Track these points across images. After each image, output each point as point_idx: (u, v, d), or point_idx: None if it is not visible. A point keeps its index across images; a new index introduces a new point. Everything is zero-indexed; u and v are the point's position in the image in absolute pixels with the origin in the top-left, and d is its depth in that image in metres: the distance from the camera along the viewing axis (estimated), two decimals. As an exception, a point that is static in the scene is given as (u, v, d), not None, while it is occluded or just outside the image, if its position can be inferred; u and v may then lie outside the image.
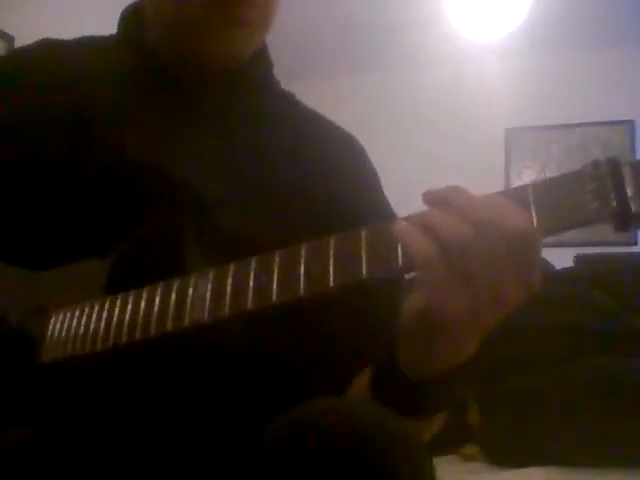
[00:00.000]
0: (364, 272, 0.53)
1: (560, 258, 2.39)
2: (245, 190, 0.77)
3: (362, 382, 0.68)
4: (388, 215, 0.84)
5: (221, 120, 0.82)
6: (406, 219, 0.54)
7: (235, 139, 0.82)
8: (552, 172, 4.06)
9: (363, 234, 0.55)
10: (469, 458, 1.66)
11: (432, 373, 0.59)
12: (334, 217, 0.77)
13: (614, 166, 0.49)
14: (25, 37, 3.25)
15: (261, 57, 0.87)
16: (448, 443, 1.63)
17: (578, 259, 2.21)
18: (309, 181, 0.80)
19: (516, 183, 4.04)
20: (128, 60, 0.84)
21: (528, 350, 1.66)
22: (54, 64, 0.85)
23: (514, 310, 0.54)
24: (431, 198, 0.53)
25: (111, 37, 0.88)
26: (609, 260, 2.14)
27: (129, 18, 0.86)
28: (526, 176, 4.09)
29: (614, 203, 0.48)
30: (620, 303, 1.76)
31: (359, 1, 3.68)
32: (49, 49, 0.88)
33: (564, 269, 2.09)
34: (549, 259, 2.88)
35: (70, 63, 0.85)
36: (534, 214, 0.50)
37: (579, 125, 4.05)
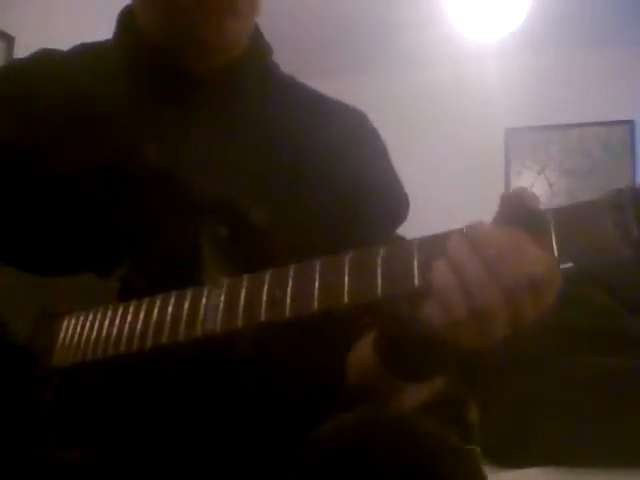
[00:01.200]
0: (379, 289, 0.53)
1: (560, 258, 2.39)
2: (262, 189, 0.77)
3: (363, 346, 0.68)
4: (396, 196, 0.84)
5: (228, 117, 0.82)
6: (426, 242, 0.53)
7: (244, 135, 0.81)
8: (552, 172, 4.06)
9: (380, 251, 0.55)
10: (469, 458, 1.66)
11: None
12: (345, 205, 0.77)
13: (637, 195, 0.48)
14: (25, 37, 3.24)
15: (258, 44, 0.87)
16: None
17: (578, 259, 2.20)
18: (314, 171, 0.80)
19: (516, 183, 4.04)
20: (129, 62, 0.84)
21: (527, 350, 1.66)
22: (54, 74, 0.85)
23: None
24: (469, 234, 0.52)
25: (107, 41, 0.88)
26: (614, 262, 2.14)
27: (125, 20, 0.86)
28: (526, 176, 4.09)
29: (636, 233, 0.47)
30: (620, 303, 1.75)
31: (359, 1, 3.68)
32: (47, 60, 0.88)
33: (564, 269, 2.09)
34: (549, 259, 2.89)
35: (70, 72, 0.85)
36: (554, 243, 0.50)
37: (579, 125, 4.05)
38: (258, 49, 0.86)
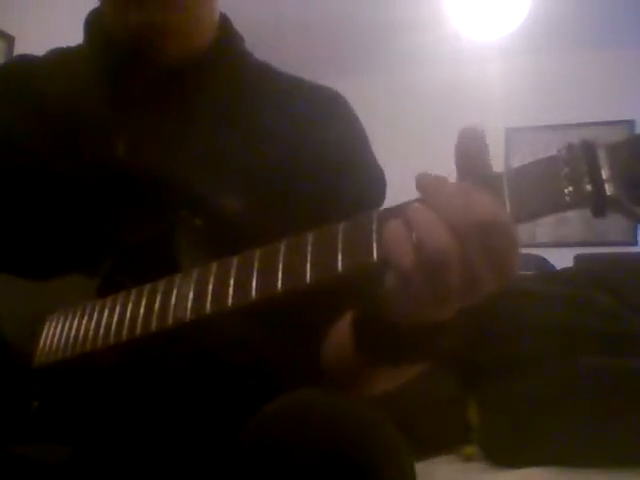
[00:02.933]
0: (339, 266, 0.53)
1: (560, 258, 2.40)
2: (234, 177, 0.77)
3: (342, 329, 0.68)
4: (373, 175, 0.84)
5: (199, 106, 0.82)
6: (384, 214, 0.53)
7: (216, 124, 0.81)
8: (552, 172, 4.07)
9: (341, 227, 0.54)
10: (469, 458, 1.66)
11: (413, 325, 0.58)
12: (324, 192, 0.77)
13: (589, 149, 0.47)
14: (25, 37, 3.24)
15: (226, 32, 0.86)
16: (448, 443, 1.63)
17: (578, 259, 2.21)
18: (295, 159, 0.79)
19: (516, 183, 4.04)
20: (99, 61, 0.84)
21: (528, 350, 1.66)
22: (31, 80, 0.86)
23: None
24: (420, 185, 0.52)
25: (79, 46, 0.89)
26: (609, 260, 2.14)
27: (92, 21, 0.87)
28: (526, 176, 4.09)
29: (588, 187, 0.46)
30: (620, 303, 1.76)
31: (360, 1, 3.68)
32: (26, 64, 0.90)
33: (564, 269, 2.09)
34: (549, 259, 2.89)
35: (47, 75, 0.86)
36: (507, 201, 0.49)
37: (579, 125, 4.05)
38: (225, 37, 0.86)
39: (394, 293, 0.53)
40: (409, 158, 4.15)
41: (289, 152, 0.80)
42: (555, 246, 3.70)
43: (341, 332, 0.68)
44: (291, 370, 0.74)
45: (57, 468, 0.67)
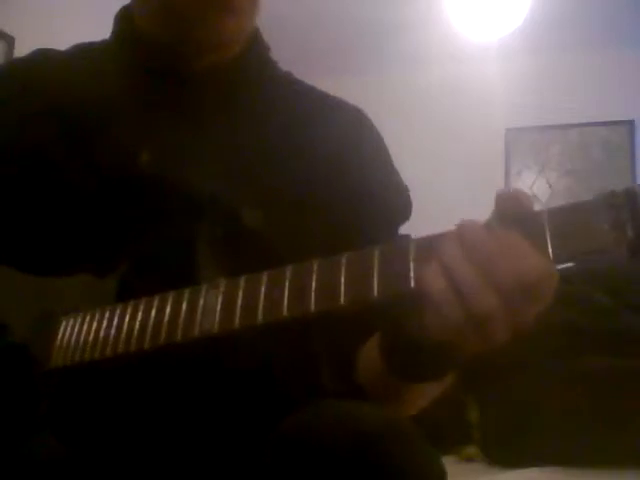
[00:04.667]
0: (375, 290, 0.53)
1: (560, 258, 2.39)
2: (255, 188, 0.76)
3: (370, 347, 0.68)
4: (399, 194, 0.84)
5: (225, 117, 0.81)
6: (422, 243, 0.54)
7: (240, 135, 0.81)
8: (552, 172, 4.07)
9: (377, 251, 0.55)
10: (469, 458, 1.66)
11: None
12: (342, 204, 0.77)
13: (632, 196, 0.49)
14: (25, 37, 3.23)
15: (256, 43, 0.86)
16: (448, 443, 1.63)
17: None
18: (316, 170, 0.79)
19: (516, 183, 4.04)
20: (125, 62, 0.83)
21: (528, 350, 1.66)
22: (52, 74, 0.85)
23: None
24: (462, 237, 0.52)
25: (103, 42, 0.87)
26: (609, 260, 2.14)
27: (122, 20, 0.85)
28: (526, 176, 4.09)
29: (630, 233, 0.48)
30: (620, 303, 1.76)
31: (359, 1, 3.68)
32: (46, 60, 0.88)
33: (564, 269, 2.09)
34: (549, 259, 2.88)
35: (68, 72, 0.85)
36: (549, 244, 0.50)
37: (579, 125, 4.05)
38: (255, 48, 0.86)
39: (432, 330, 0.54)
40: (409, 158, 4.15)
41: (315, 167, 0.79)
42: (555, 246, 3.70)
43: (371, 349, 0.68)
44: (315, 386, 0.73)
45: (64, 468, 0.67)
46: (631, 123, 4.00)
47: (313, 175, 0.79)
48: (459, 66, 4.17)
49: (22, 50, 3.10)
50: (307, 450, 0.53)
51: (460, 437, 1.66)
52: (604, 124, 4.00)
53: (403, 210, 0.84)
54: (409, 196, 0.85)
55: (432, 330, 0.53)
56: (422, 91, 4.28)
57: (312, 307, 0.55)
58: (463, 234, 0.52)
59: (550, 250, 0.50)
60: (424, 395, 0.70)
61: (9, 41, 3.13)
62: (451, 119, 4.17)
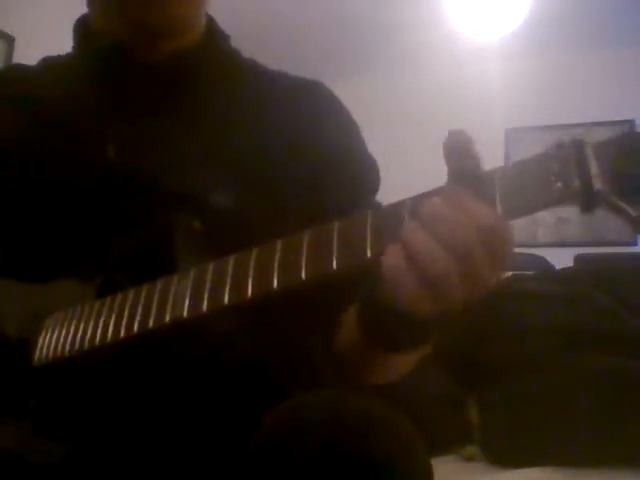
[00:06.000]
0: (334, 264, 0.54)
1: (560, 258, 2.40)
2: (231, 179, 0.77)
3: (348, 319, 0.69)
4: (366, 165, 0.85)
5: (189, 104, 0.82)
6: (378, 213, 0.54)
7: (208, 122, 0.81)
8: (552, 172, 4.07)
9: (336, 226, 0.56)
10: (469, 458, 1.66)
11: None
12: (309, 183, 0.78)
13: (578, 146, 0.49)
14: (25, 37, 3.23)
15: (212, 31, 0.87)
16: (448, 443, 1.63)
17: (578, 259, 2.21)
18: (281, 152, 0.80)
19: (516, 183, 4.04)
20: (86, 64, 0.85)
21: (528, 350, 1.66)
22: (23, 88, 0.87)
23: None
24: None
25: (69, 54, 0.90)
26: (609, 260, 2.15)
27: (79, 26, 0.87)
28: (526, 176, 4.09)
29: (577, 182, 0.47)
30: (620, 303, 1.76)
31: (359, 1, 3.68)
32: (16, 72, 0.92)
33: (564, 269, 2.09)
34: (549, 259, 2.89)
35: (37, 82, 0.87)
36: (498, 199, 0.50)
37: (579, 125, 4.05)
38: (210, 35, 0.86)
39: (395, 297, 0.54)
40: (409, 158, 4.15)
41: (284, 148, 0.80)
42: (555, 246, 3.70)
43: (349, 322, 0.69)
44: (297, 366, 0.74)
45: (54, 467, 0.67)
46: (631, 123, 4.00)
47: (281, 153, 0.80)
48: (459, 66, 4.17)
49: (22, 50, 3.11)
50: (288, 443, 0.53)
51: (460, 437, 1.66)
52: (604, 124, 4.01)
53: (373, 180, 0.85)
54: (377, 165, 0.86)
55: (395, 299, 0.53)
56: (422, 91, 4.28)
57: (275, 284, 0.56)
58: (416, 201, 0.53)
59: (499, 207, 0.50)
60: (399, 364, 0.70)
61: (9, 41, 3.14)
62: (451, 119, 4.16)
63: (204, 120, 0.81)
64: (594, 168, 0.48)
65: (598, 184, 0.47)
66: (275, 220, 0.69)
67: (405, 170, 3.87)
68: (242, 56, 0.90)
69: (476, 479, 1.53)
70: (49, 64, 0.91)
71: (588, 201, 0.48)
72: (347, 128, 0.88)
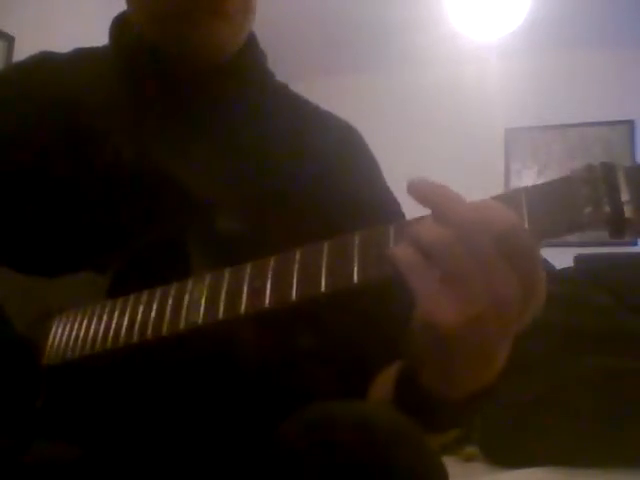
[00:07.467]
0: (355, 277, 0.53)
1: (560, 258, 2.39)
2: (246, 190, 0.77)
3: (385, 385, 0.67)
4: (389, 205, 0.84)
5: (217, 118, 0.82)
6: (401, 225, 0.53)
7: (232, 137, 0.82)
8: (552, 172, 4.06)
9: (356, 239, 0.54)
10: (469, 458, 1.66)
11: (456, 392, 0.57)
12: (336, 213, 0.77)
13: (608, 170, 0.47)
14: (25, 37, 3.24)
15: (251, 48, 0.87)
16: (448, 443, 1.63)
17: (578, 259, 2.21)
18: (309, 177, 0.80)
19: (516, 183, 4.04)
20: (122, 65, 0.85)
21: (527, 350, 1.66)
22: (51, 78, 0.86)
23: (525, 317, 0.51)
24: (415, 193, 0.51)
25: (104, 47, 0.89)
26: (609, 260, 2.14)
27: (117, 25, 0.87)
28: (526, 176, 4.09)
29: (607, 208, 0.46)
30: (620, 303, 1.76)
31: (359, 1, 3.68)
32: (46, 63, 0.90)
33: (564, 269, 2.09)
34: (549, 259, 2.88)
35: (67, 76, 0.86)
36: (526, 217, 0.49)
37: (579, 125, 4.05)
38: (250, 52, 0.86)
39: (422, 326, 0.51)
40: (409, 158, 4.15)
41: (307, 173, 0.80)
42: (555, 246, 3.71)
43: (385, 382, 0.67)
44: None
45: (62, 467, 0.67)
46: (631, 123, 4.00)
47: (305, 180, 0.80)
48: (459, 66, 4.17)
49: (22, 50, 3.11)
50: (313, 449, 0.53)
51: (460, 437, 1.66)
52: (604, 124, 4.01)
53: (398, 216, 0.83)
54: (401, 209, 0.84)
55: (419, 305, 0.50)
56: (422, 91, 4.28)
57: (294, 295, 0.55)
58: (430, 196, 0.50)
59: (526, 225, 0.48)
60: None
61: (9, 41, 3.14)
62: (451, 119, 4.17)
63: (229, 135, 0.81)
64: (625, 194, 0.46)
65: (629, 212, 0.46)
66: (291, 242, 0.69)
67: (405, 169, 3.86)
68: (275, 80, 0.91)
69: (476, 479, 1.53)
70: (81, 56, 0.90)
71: (619, 228, 0.47)
72: (374, 168, 0.88)
